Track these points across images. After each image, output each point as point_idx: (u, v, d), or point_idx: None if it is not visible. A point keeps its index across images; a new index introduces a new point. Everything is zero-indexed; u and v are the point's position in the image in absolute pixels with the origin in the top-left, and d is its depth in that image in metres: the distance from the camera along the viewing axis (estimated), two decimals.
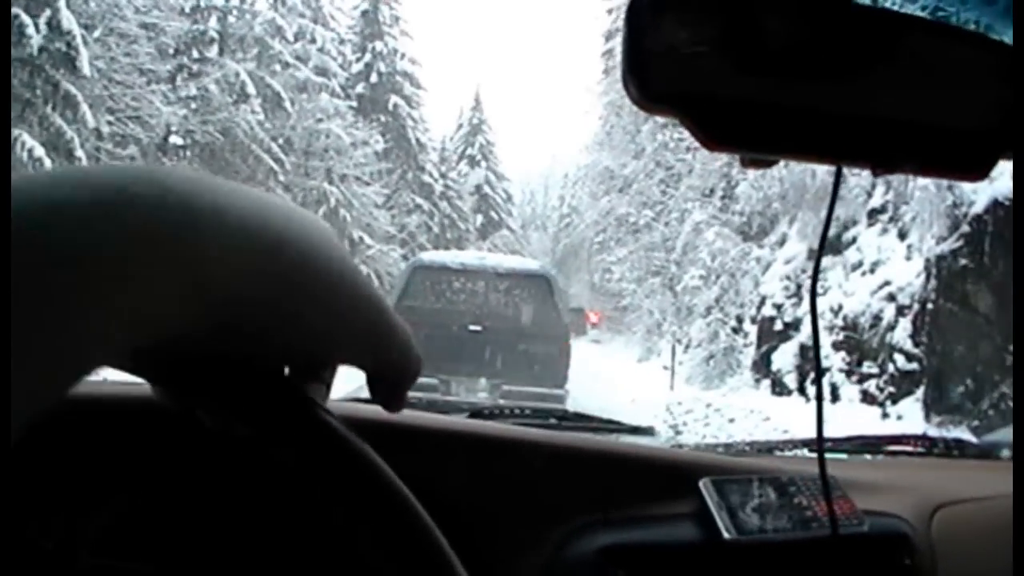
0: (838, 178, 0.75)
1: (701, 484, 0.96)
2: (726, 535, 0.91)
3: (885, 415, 10.98)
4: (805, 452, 1.11)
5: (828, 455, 1.27)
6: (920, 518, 1.06)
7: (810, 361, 12.97)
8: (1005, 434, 1.67)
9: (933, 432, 9.60)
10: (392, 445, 0.66)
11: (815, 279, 0.80)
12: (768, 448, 1.35)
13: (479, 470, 0.90)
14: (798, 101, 0.61)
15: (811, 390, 12.75)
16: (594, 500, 0.93)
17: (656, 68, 0.59)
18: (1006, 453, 1.40)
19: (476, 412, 1.30)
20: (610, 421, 1.49)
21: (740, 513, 0.93)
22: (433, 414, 1.03)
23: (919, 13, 0.82)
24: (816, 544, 0.94)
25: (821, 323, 12.91)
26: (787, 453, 1.30)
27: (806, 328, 13.15)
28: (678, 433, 10.44)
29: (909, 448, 1.43)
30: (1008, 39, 0.76)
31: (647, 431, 1.55)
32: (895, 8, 0.84)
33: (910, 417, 10.33)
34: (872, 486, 1.08)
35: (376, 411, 1.03)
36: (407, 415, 0.91)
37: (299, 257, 0.38)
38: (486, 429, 1.00)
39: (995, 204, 8.71)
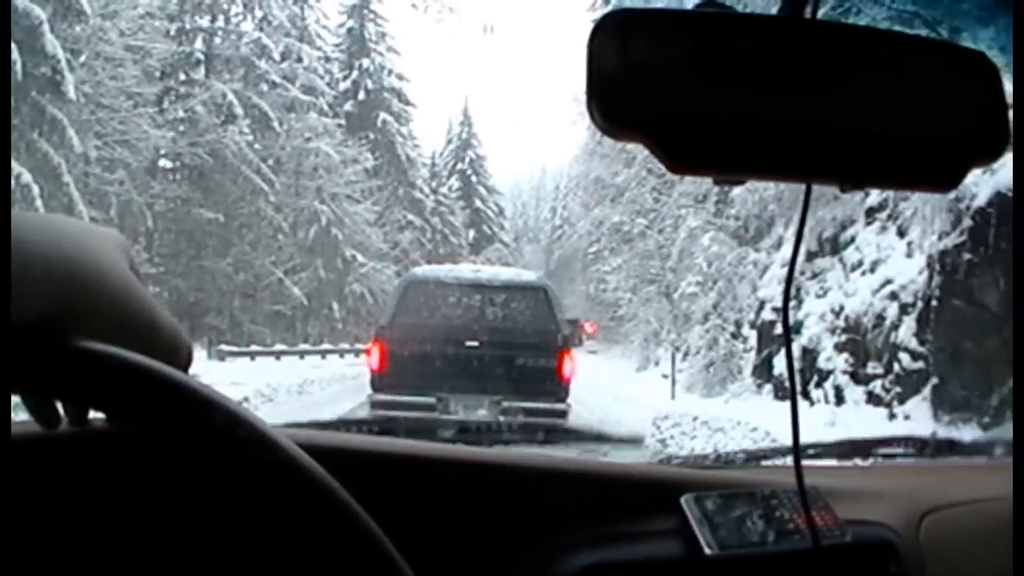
0: (807, 197, 0.79)
1: (683, 500, 0.97)
2: (707, 551, 0.92)
3: (892, 416, 10.84)
4: (789, 461, 1.04)
5: (815, 462, 1.33)
6: (908, 524, 1.07)
7: (812, 364, 12.84)
8: (999, 433, 1.67)
9: (941, 431, 9.51)
10: (375, 472, 0.70)
11: (786, 299, 0.88)
12: (757, 457, 1.37)
13: (462, 492, 0.91)
14: (767, 115, 0.61)
15: (815, 393, 12.64)
16: (577, 518, 0.94)
17: (622, 91, 0.59)
18: (999, 452, 1.41)
19: (464, 429, 1.35)
20: (599, 434, 1.54)
21: (721, 528, 0.95)
22: (416, 441, 1.05)
23: (888, 23, 0.88)
24: (798, 557, 0.95)
25: (822, 325, 12.88)
26: (775, 462, 1.31)
27: (807, 330, 13.05)
28: (666, 446, 10.30)
29: (900, 451, 1.44)
30: (976, 44, 0.80)
31: (636, 441, 1.62)
32: (865, 22, 0.91)
33: (918, 417, 10.21)
34: (858, 494, 1.10)
35: (358, 440, 0.99)
36: (388, 443, 0.96)
37: (86, 274, 0.52)
38: (469, 453, 1.02)
39: (998, 195, 8.59)
